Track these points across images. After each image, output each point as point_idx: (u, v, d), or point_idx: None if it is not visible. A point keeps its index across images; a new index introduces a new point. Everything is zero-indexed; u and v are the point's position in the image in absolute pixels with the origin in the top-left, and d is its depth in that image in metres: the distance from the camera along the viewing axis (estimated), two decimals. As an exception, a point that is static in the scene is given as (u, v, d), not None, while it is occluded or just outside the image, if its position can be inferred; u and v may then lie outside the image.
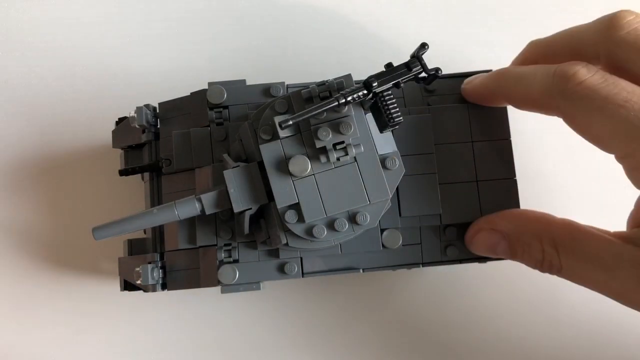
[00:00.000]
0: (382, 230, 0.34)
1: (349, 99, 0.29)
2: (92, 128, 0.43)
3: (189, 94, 0.37)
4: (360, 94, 0.30)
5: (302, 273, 0.34)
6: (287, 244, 0.32)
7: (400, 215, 0.34)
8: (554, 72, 0.29)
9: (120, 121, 0.39)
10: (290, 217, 0.31)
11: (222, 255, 0.34)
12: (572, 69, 0.28)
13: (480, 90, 0.34)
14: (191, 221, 0.34)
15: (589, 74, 0.28)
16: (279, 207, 0.31)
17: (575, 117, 0.29)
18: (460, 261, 0.35)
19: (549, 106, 0.30)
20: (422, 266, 0.35)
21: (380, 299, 0.41)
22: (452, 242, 0.35)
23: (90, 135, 0.43)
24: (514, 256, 0.32)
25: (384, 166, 0.32)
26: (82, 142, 0.43)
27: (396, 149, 0.33)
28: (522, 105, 0.32)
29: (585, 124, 0.29)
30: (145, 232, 0.38)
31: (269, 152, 0.31)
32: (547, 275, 0.31)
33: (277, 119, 0.30)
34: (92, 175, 0.43)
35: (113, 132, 0.39)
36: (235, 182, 0.31)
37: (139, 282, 0.34)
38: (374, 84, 0.30)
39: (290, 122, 0.29)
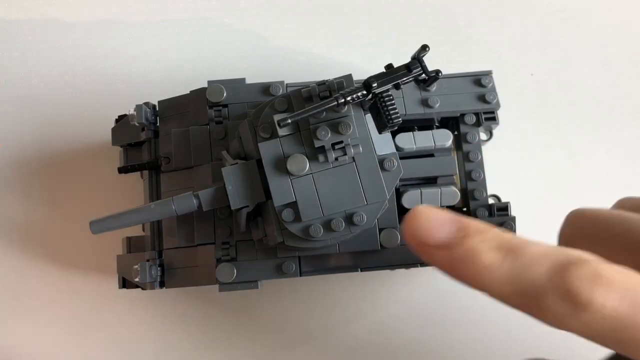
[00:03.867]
0: (380, 230, 0.34)
1: (348, 99, 0.29)
2: (91, 126, 0.43)
3: (189, 92, 0.37)
4: (359, 94, 0.30)
5: (300, 272, 0.34)
6: (283, 243, 0.32)
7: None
8: (565, 296, 0.20)
9: (120, 119, 0.39)
10: (287, 215, 0.31)
11: (220, 253, 0.34)
12: (586, 293, 0.20)
13: (444, 266, 0.23)
14: (189, 219, 0.34)
15: (608, 295, 0.20)
16: (276, 205, 0.31)
17: (605, 344, 0.22)
18: (459, 261, 0.35)
19: (563, 329, 0.22)
20: (421, 266, 0.35)
21: (378, 299, 0.41)
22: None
23: (90, 133, 0.43)
24: None
25: (382, 167, 0.32)
26: (82, 140, 0.43)
27: (395, 150, 0.33)
28: None
29: (620, 348, 0.21)
30: (144, 230, 0.38)
31: (267, 150, 0.31)
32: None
33: (277, 118, 0.30)
34: (92, 173, 0.43)
35: (112, 129, 0.39)
36: (233, 180, 0.31)
37: (136, 279, 0.34)
38: (374, 85, 0.30)
39: (289, 121, 0.29)
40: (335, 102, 0.29)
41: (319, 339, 0.41)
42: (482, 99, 0.37)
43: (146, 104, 0.37)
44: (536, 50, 0.45)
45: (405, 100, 0.36)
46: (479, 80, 0.37)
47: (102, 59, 0.44)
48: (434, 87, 0.36)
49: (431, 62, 0.31)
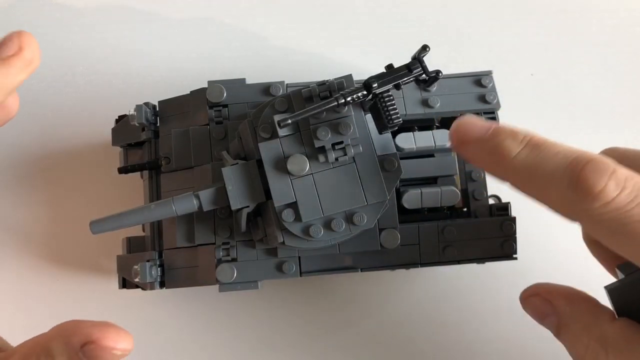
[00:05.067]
0: (381, 230, 0.34)
1: (348, 99, 0.29)
2: (91, 126, 0.43)
3: (189, 92, 0.37)
4: (360, 94, 0.30)
5: (300, 272, 0.34)
6: (283, 243, 0.32)
7: None
8: (576, 184, 0.24)
9: (120, 119, 0.39)
10: (287, 215, 0.31)
11: (221, 253, 0.34)
12: (598, 184, 0.23)
13: (476, 158, 0.29)
14: (190, 219, 0.34)
15: (616, 190, 0.23)
16: (276, 205, 0.31)
17: (600, 236, 0.25)
18: (459, 262, 0.35)
19: (567, 216, 0.25)
20: (421, 266, 0.35)
21: (378, 299, 0.41)
22: (451, 243, 0.35)
23: (90, 133, 0.43)
24: (558, 335, 0.29)
25: (383, 167, 0.32)
26: (82, 140, 0.43)
27: (395, 150, 0.33)
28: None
29: (613, 244, 0.25)
30: (144, 230, 0.38)
31: (267, 150, 0.31)
32: (546, 275, 0.31)
33: (277, 118, 0.30)
34: (92, 173, 0.43)
35: (113, 130, 0.39)
36: (233, 180, 0.31)
37: (136, 280, 0.34)
38: (374, 85, 0.30)
39: (290, 121, 0.29)
40: (336, 103, 0.29)
41: (318, 340, 0.41)
42: (482, 99, 0.37)
43: (146, 104, 0.37)
44: (536, 50, 0.45)
45: (405, 101, 0.36)
46: (479, 81, 0.37)
47: (102, 59, 0.44)
48: (434, 88, 0.36)
49: (431, 62, 0.31)
